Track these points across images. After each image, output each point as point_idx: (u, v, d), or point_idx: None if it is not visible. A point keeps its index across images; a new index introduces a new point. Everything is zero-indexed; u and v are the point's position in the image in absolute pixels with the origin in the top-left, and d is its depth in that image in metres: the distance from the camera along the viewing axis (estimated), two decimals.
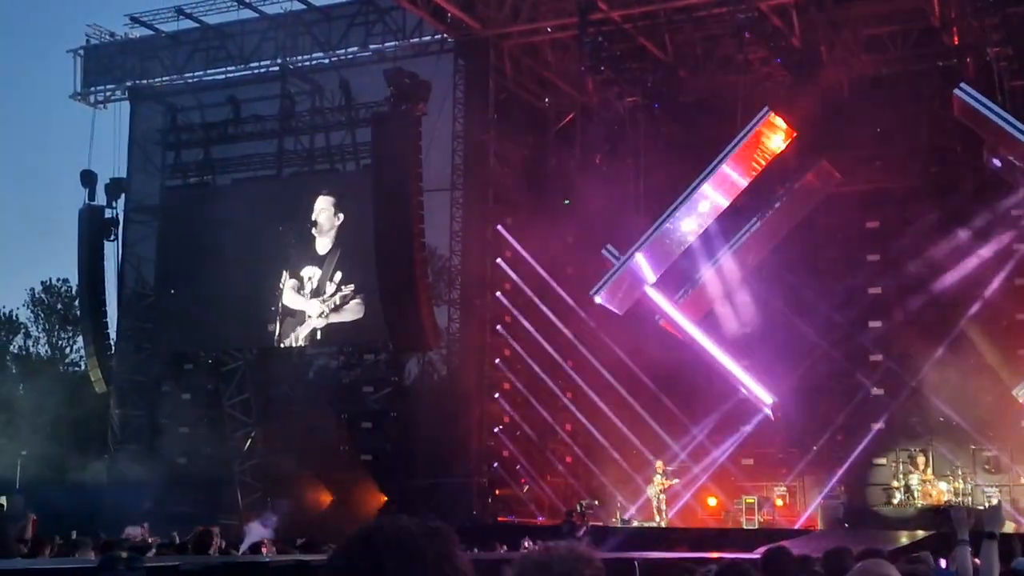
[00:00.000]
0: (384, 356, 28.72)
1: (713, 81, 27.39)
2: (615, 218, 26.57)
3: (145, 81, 32.80)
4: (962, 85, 21.90)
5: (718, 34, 26.66)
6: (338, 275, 28.40)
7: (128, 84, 32.96)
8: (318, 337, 28.54)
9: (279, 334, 28.71)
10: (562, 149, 29.97)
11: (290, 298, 28.68)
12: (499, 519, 26.30)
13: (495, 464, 27.29)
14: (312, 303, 28.43)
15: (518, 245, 27.96)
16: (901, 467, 24.13)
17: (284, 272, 28.79)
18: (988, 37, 23.43)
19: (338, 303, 28.24)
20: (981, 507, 20.90)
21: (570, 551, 2.65)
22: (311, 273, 28.62)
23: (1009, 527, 20.50)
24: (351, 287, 28.03)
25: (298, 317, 28.58)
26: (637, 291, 24.64)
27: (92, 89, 33.48)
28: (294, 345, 28.77)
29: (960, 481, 23.57)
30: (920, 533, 20.20)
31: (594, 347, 26.98)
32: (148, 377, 30.52)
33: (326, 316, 28.30)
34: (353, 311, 28.10)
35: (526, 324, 27.75)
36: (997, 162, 23.81)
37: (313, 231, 28.80)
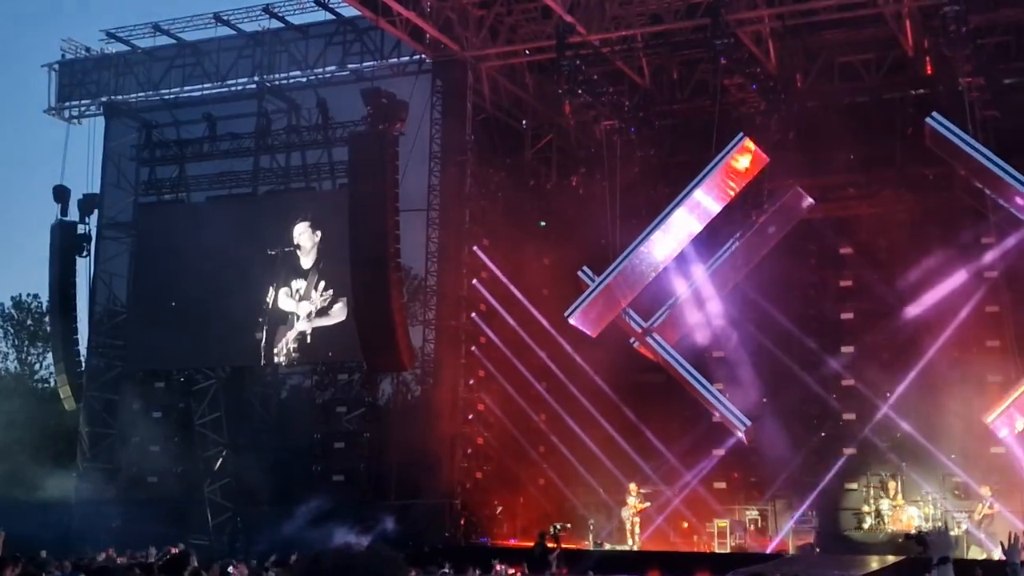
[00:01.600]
0: (358, 376, 28.62)
1: (689, 106, 27.57)
2: (591, 240, 26.65)
3: (120, 97, 32.66)
4: (934, 114, 22.12)
5: (694, 59, 26.85)
6: (321, 284, 28.45)
7: (103, 99, 32.80)
8: (308, 341, 28.37)
9: (266, 343, 28.54)
10: (539, 171, 30.06)
11: (283, 301, 28.63)
12: (472, 541, 26.20)
13: (468, 485, 27.21)
14: (302, 304, 28.44)
15: (494, 266, 27.98)
16: (872, 492, 24.24)
17: (271, 287, 28.68)
18: (960, 67, 23.70)
19: (322, 306, 28.23)
20: (952, 532, 21.01)
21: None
22: (299, 285, 28.64)
23: (977, 553, 20.66)
24: (331, 292, 28.03)
25: (288, 322, 28.50)
26: (612, 313, 24.67)
27: (67, 104, 33.31)
28: (283, 353, 28.55)
29: (930, 507, 23.70)
30: (890, 558, 20.30)
31: (568, 369, 27.00)
32: (118, 395, 30.28)
33: (311, 318, 28.25)
34: (337, 315, 28.11)
35: (501, 345, 27.74)
36: (967, 190, 24.04)
37: (297, 252, 28.81)
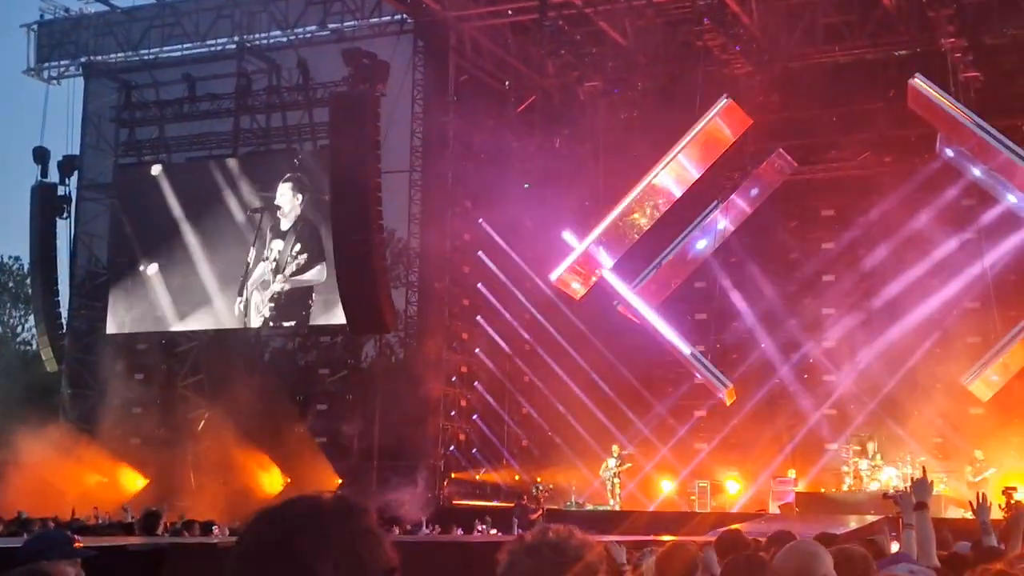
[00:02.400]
0: (341, 338, 28.59)
1: (672, 68, 27.45)
2: (574, 202, 26.61)
3: (99, 57, 32.34)
4: (917, 75, 22.10)
5: (678, 20, 26.70)
6: (297, 246, 28.35)
7: (82, 60, 32.47)
8: (282, 301, 28.31)
9: (245, 304, 28.49)
10: (522, 132, 29.93)
11: (260, 262, 28.56)
12: (454, 502, 26.33)
13: (451, 447, 27.31)
14: (278, 265, 28.41)
15: (477, 228, 27.93)
16: (851, 452, 24.40)
17: (251, 247, 28.59)
18: (942, 28, 23.66)
19: (296, 268, 28.23)
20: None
21: (571, 533, 2.72)
22: (278, 246, 28.54)
23: (956, 512, 20.84)
24: (305, 255, 27.95)
25: (265, 283, 28.47)
26: (595, 276, 24.70)
27: (45, 65, 32.97)
28: (259, 312, 28.49)
29: (909, 467, 23.88)
30: (869, 517, 20.43)
31: (552, 331, 27.03)
32: (100, 357, 30.18)
33: (287, 279, 28.24)
34: (314, 277, 28.16)
35: (484, 308, 27.76)
36: (949, 152, 24.08)
37: (278, 213, 28.71)
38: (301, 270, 28.26)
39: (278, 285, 28.43)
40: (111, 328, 30.26)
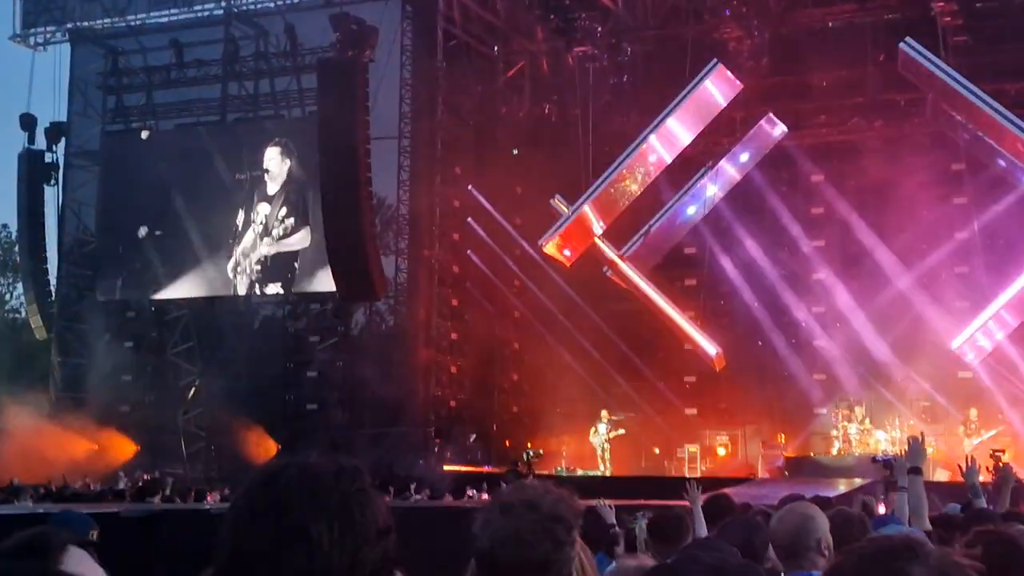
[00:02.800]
0: (331, 306, 28.57)
1: (662, 32, 27.33)
2: (564, 168, 26.55)
3: (86, 23, 32.00)
4: (907, 39, 22.04)
5: None
6: (283, 210, 28.33)
7: (68, 26, 32.15)
8: (268, 264, 28.31)
9: (234, 268, 28.43)
10: (511, 98, 29.81)
11: (249, 227, 28.51)
12: (445, 468, 26.41)
13: (442, 413, 27.37)
14: (265, 229, 28.35)
15: (466, 195, 27.87)
16: (840, 416, 24.53)
17: (240, 211, 28.51)
18: None
19: (283, 233, 28.17)
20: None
21: (548, 490, 2.67)
22: (265, 210, 28.48)
23: (943, 475, 21.00)
24: (292, 220, 27.98)
25: (253, 246, 28.43)
26: (585, 242, 24.69)
27: (32, 31, 32.65)
28: (245, 274, 28.43)
29: (897, 430, 24.03)
30: (858, 481, 20.59)
31: (541, 298, 27.04)
32: (89, 325, 30.10)
33: (273, 243, 28.22)
34: (299, 242, 28.09)
35: (474, 274, 27.75)
36: (939, 116, 24.05)
37: (265, 177, 28.60)
38: (287, 234, 28.20)
39: (265, 248, 28.38)
40: (101, 295, 30.18)
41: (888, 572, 1.89)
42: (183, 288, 29.42)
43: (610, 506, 7.54)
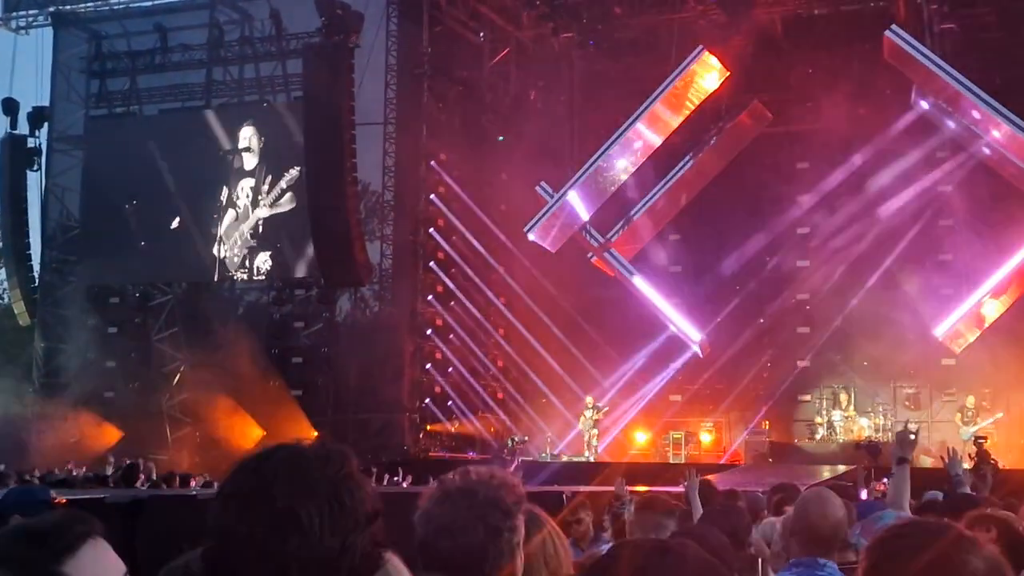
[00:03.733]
0: (315, 291, 28.53)
1: (648, 19, 27.30)
2: (549, 155, 26.54)
3: (69, 7, 31.78)
4: (893, 27, 22.08)
5: None
6: (269, 177, 28.37)
7: (51, 10, 31.90)
8: (260, 230, 28.29)
9: (220, 254, 28.39)
10: (497, 85, 29.76)
11: (236, 200, 28.50)
12: (431, 454, 26.45)
13: (427, 400, 27.38)
14: (255, 199, 28.41)
15: (452, 181, 27.84)
16: (824, 403, 24.65)
17: (224, 187, 28.44)
18: None
19: (274, 198, 28.24)
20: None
21: (491, 475, 2.64)
22: (249, 183, 28.53)
23: (926, 462, 21.13)
24: (280, 185, 28.07)
25: (242, 216, 28.45)
26: (570, 228, 24.71)
27: (14, 14, 32.39)
28: (237, 246, 28.42)
29: (881, 417, 24.16)
30: (841, 467, 20.71)
31: (527, 284, 27.07)
32: (73, 310, 29.99)
33: (264, 207, 28.28)
34: (287, 204, 28.15)
35: (459, 261, 27.74)
36: (924, 104, 24.13)
37: (243, 154, 28.61)
38: (278, 198, 28.25)
39: (261, 212, 28.37)
40: (83, 282, 30.06)
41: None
42: (166, 274, 29.35)
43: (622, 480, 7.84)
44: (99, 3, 31.43)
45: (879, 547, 2.09)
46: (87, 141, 30.95)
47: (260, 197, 28.42)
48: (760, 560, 5.20)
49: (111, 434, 27.47)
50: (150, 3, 31.12)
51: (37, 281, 31.19)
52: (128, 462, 11.90)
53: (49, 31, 32.21)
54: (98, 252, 29.65)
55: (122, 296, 29.93)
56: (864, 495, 9.37)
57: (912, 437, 6.38)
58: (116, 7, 31.31)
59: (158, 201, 28.84)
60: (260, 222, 28.40)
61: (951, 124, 23.98)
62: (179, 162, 28.78)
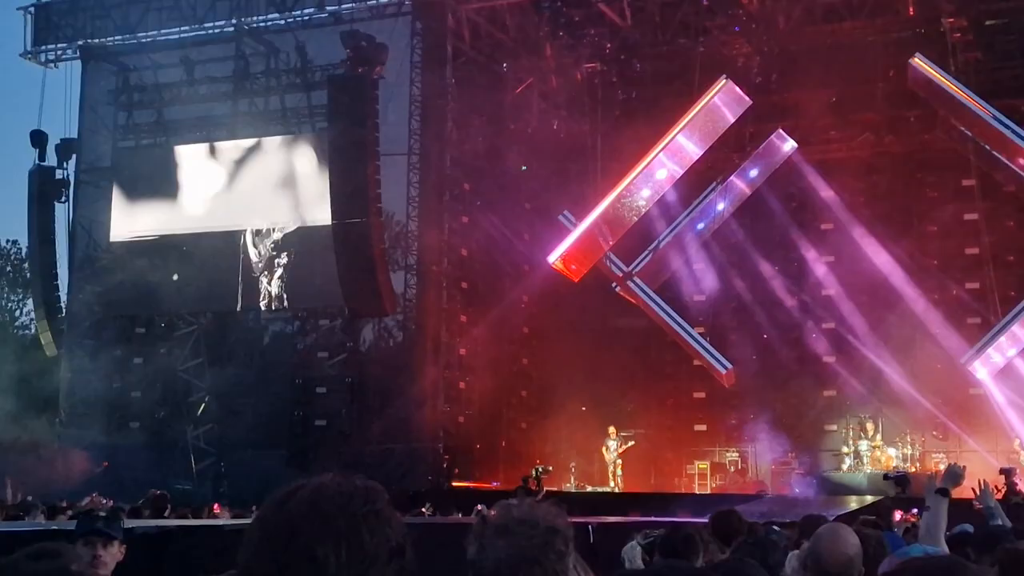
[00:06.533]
0: (340, 322, 28.59)
1: (671, 48, 27.38)
2: (572, 184, 26.59)
3: (97, 40, 32.16)
4: (917, 55, 22.06)
5: (677, 1, 26.61)
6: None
7: (79, 43, 32.31)
8: (280, 241, 28.50)
9: (243, 285, 28.52)
10: (520, 115, 29.87)
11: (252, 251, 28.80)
12: (454, 484, 26.37)
13: (451, 430, 27.33)
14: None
15: (475, 211, 27.91)
16: (851, 433, 24.46)
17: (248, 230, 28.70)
18: (943, 8, 23.61)
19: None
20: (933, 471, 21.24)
21: (535, 506, 2.67)
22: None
23: (956, 492, 20.88)
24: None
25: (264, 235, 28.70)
26: (594, 258, 24.71)
27: (43, 48, 32.81)
28: (263, 256, 28.65)
29: (908, 447, 23.95)
30: (868, 498, 20.51)
31: (550, 313, 27.05)
32: (99, 341, 30.18)
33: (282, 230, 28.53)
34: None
35: (482, 290, 27.76)
36: (949, 131, 24.07)
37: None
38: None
39: (277, 234, 28.65)
40: (110, 312, 30.22)
41: None
42: (192, 304, 29.48)
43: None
44: (127, 36, 31.77)
45: None
46: (115, 172, 31.21)
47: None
48: None
49: (135, 464, 27.52)
50: (177, 36, 31.43)
51: (64, 311, 31.40)
52: (157, 492, 11.98)
53: (78, 64, 32.59)
54: (124, 283, 29.81)
55: (148, 327, 30.08)
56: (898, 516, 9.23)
57: (962, 472, 6.30)
58: (143, 40, 31.63)
59: (184, 232, 29.02)
60: (279, 240, 28.62)
61: (976, 152, 23.89)
62: (206, 191, 28.98)
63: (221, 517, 14.99)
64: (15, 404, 27.49)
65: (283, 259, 28.66)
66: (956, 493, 6.07)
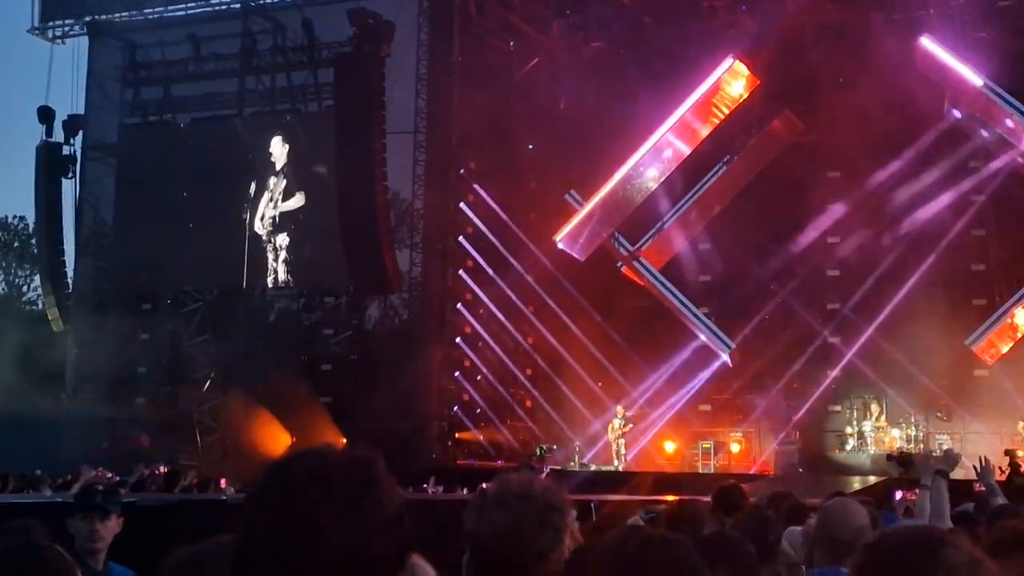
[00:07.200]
0: (345, 299, 28.64)
1: (678, 28, 27.27)
2: (579, 163, 26.54)
3: (104, 17, 32.13)
4: (925, 35, 21.96)
5: None
6: (284, 182, 28.86)
7: (87, 19, 32.27)
8: (277, 221, 28.69)
9: (249, 262, 28.59)
10: (527, 94, 29.80)
11: (264, 200, 28.96)
12: (458, 462, 26.45)
13: (455, 408, 27.41)
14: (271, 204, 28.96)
15: (481, 190, 27.89)
16: (855, 414, 24.47)
17: (252, 183, 28.78)
18: None
19: (282, 199, 28.82)
20: (935, 453, 21.26)
21: (534, 480, 2.70)
22: (273, 181, 28.96)
23: (958, 473, 20.93)
24: (290, 188, 28.73)
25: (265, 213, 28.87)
26: (599, 237, 24.70)
27: (50, 24, 32.79)
28: (265, 221, 28.72)
29: (913, 428, 23.96)
30: (872, 478, 20.56)
31: (556, 292, 27.04)
32: (106, 316, 30.23)
33: (277, 205, 28.68)
34: (295, 202, 28.65)
35: (488, 269, 27.77)
36: (957, 113, 23.97)
37: (271, 159, 28.97)
38: (286, 199, 28.66)
39: (270, 211, 28.83)
40: (116, 288, 30.27)
41: (923, 555, 2.00)
42: (198, 280, 29.53)
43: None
44: (134, 13, 31.75)
45: (868, 548, 2.16)
46: (121, 149, 31.22)
47: (276, 195, 28.74)
48: (801, 567, 5.17)
49: (143, 440, 27.65)
50: (184, 13, 31.41)
51: (71, 287, 31.46)
52: (168, 468, 12.03)
53: (85, 40, 32.59)
54: (130, 260, 29.89)
55: (154, 303, 30.15)
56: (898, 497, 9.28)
57: (958, 457, 6.45)
58: (151, 17, 31.61)
59: (189, 209, 29.04)
60: (275, 217, 28.69)
61: (984, 133, 23.81)
62: (210, 170, 28.99)
63: (227, 492, 15.07)
64: (22, 379, 27.54)
65: (289, 237, 28.74)
66: (958, 474, 6.14)
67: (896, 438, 23.69)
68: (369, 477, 1.89)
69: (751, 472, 24.26)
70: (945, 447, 22.53)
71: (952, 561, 2.00)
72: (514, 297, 27.79)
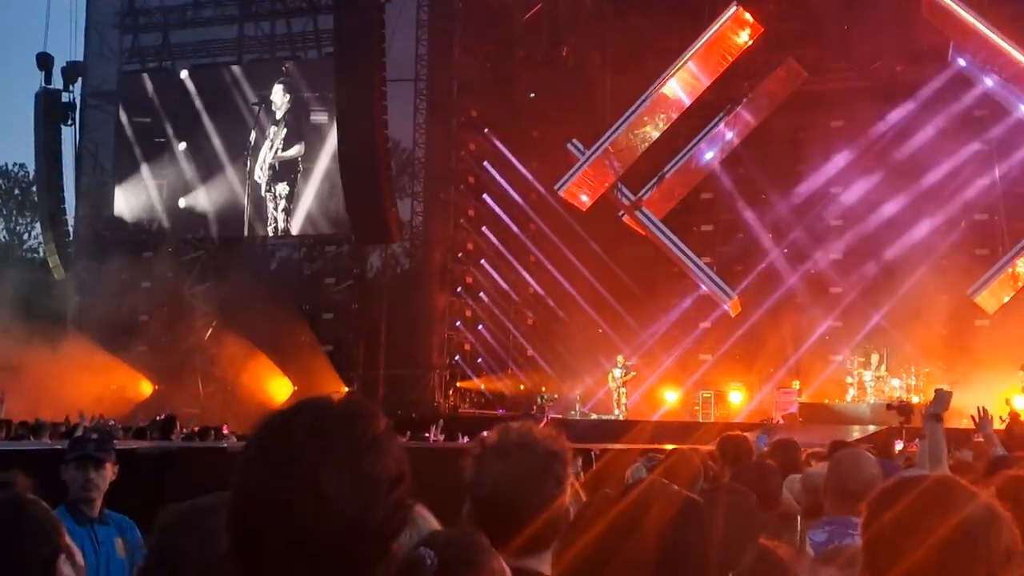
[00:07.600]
0: (346, 248, 28.60)
1: None
2: (581, 112, 26.36)
3: None
4: None
5: None
6: (284, 130, 28.76)
7: None
8: (276, 168, 28.62)
9: (251, 208, 28.54)
10: (528, 41, 29.52)
11: (264, 148, 28.86)
12: (459, 411, 26.56)
13: (456, 357, 27.46)
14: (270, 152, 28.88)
15: (482, 138, 27.74)
16: (856, 363, 24.49)
17: (253, 131, 28.63)
18: None
19: (282, 147, 28.73)
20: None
21: (533, 428, 2.67)
22: (274, 129, 28.84)
23: (959, 423, 20.99)
24: (290, 137, 28.65)
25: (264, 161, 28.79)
26: (602, 186, 24.59)
27: None
28: (264, 168, 28.67)
29: (913, 378, 23.98)
30: (872, 428, 20.62)
31: (557, 241, 27.00)
32: (107, 264, 30.20)
33: (277, 154, 28.60)
34: (296, 152, 28.59)
35: (489, 218, 27.70)
36: (962, 61, 23.76)
37: (272, 107, 28.81)
38: (286, 148, 28.56)
39: (270, 158, 28.77)
40: (117, 235, 30.24)
41: (939, 504, 2.03)
42: (200, 227, 29.52)
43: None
44: None
45: (880, 496, 2.16)
46: (120, 96, 31.03)
47: (276, 142, 28.66)
48: (799, 518, 5.18)
49: (144, 387, 27.75)
50: None
51: (71, 235, 31.41)
52: (165, 415, 12.06)
53: None
54: (131, 206, 29.83)
55: (155, 251, 30.11)
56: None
57: (948, 395, 6.28)
58: None
59: (190, 157, 28.94)
60: (275, 164, 28.61)
61: (989, 81, 23.61)
62: (210, 117, 28.85)
63: (229, 438, 15.11)
64: (23, 325, 27.55)
65: (289, 186, 28.65)
66: (957, 424, 6.09)
67: (896, 388, 23.73)
68: (371, 435, 1.83)
69: (751, 421, 24.33)
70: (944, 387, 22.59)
71: (969, 511, 1.98)
72: (516, 246, 27.76)
